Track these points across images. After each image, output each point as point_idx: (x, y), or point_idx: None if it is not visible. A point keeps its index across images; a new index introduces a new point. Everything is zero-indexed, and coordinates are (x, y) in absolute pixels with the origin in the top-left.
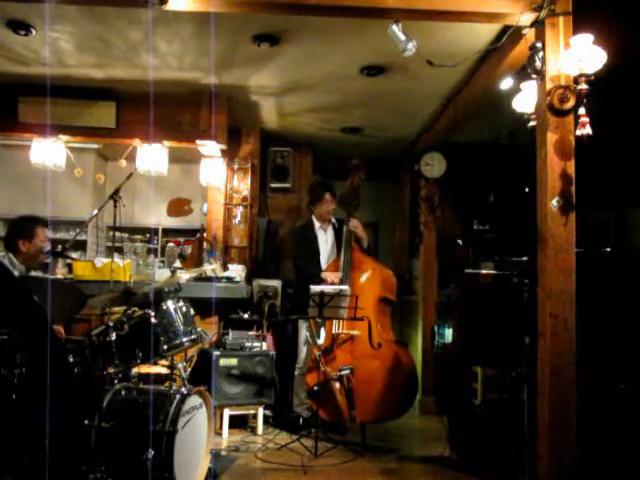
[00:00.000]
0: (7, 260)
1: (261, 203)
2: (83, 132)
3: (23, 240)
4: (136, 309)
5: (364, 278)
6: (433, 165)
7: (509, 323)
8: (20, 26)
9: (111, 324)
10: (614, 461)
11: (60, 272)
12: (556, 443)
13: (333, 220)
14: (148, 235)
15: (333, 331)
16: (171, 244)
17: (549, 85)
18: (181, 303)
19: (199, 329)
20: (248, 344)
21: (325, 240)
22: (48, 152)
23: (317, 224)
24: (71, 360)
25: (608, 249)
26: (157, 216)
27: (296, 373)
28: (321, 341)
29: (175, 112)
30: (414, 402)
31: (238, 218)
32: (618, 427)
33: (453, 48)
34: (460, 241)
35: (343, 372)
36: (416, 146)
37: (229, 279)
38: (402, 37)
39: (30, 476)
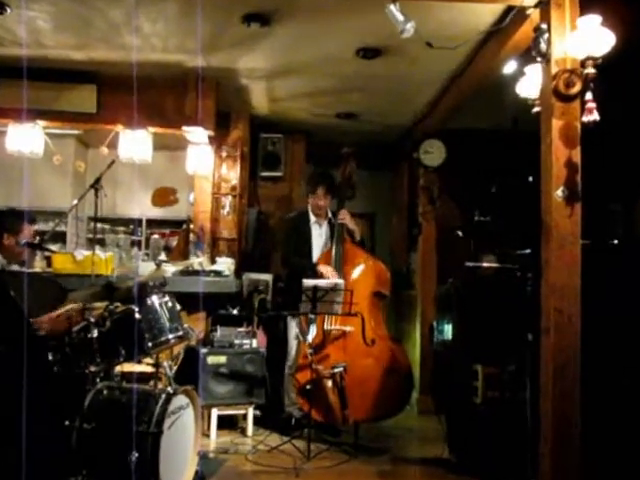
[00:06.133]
0: None
1: (251, 193)
2: (62, 117)
3: (9, 234)
4: (119, 304)
5: (357, 272)
6: (432, 153)
7: (511, 319)
8: None
9: (93, 320)
10: (618, 460)
11: (38, 265)
12: (559, 443)
13: (330, 215)
14: (131, 226)
15: (324, 327)
16: (156, 236)
17: (554, 69)
18: (166, 298)
19: (186, 325)
20: (237, 341)
21: (319, 234)
22: (25, 138)
23: (312, 217)
24: (50, 358)
25: (615, 241)
26: (141, 206)
27: (286, 371)
28: (311, 337)
29: (160, 96)
30: (409, 400)
31: (227, 208)
32: (622, 425)
33: (454, 29)
34: (460, 233)
35: (336, 370)
36: (414, 133)
37: (217, 273)
38: (400, 17)
39: (8, 479)
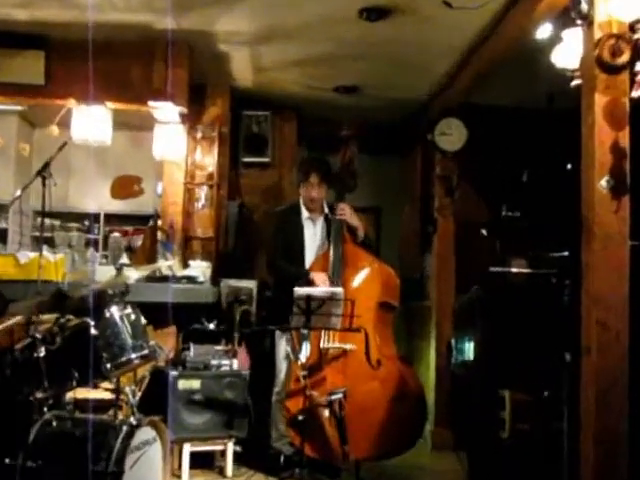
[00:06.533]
0: None
1: (231, 182)
2: (2, 90)
3: None
4: (71, 317)
5: (360, 278)
6: (451, 135)
7: (546, 335)
8: None
9: (39, 336)
10: None
11: None
12: None
13: (327, 211)
14: (87, 223)
15: (320, 345)
16: (116, 234)
17: (598, 34)
18: (129, 310)
19: (152, 343)
20: (215, 362)
21: (313, 233)
22: None
23: (305, 212)
24: None
25: None
26: (98, 198)
27: (274, 399)
28: (304, 357)
29: (121, 65)
30: (422, 434)
31: (202, 201)
32: None
33: None
34: (485, 231)
35: (334, 397)
36: (429, 111)
37: (190, 279)
38: None
39: None
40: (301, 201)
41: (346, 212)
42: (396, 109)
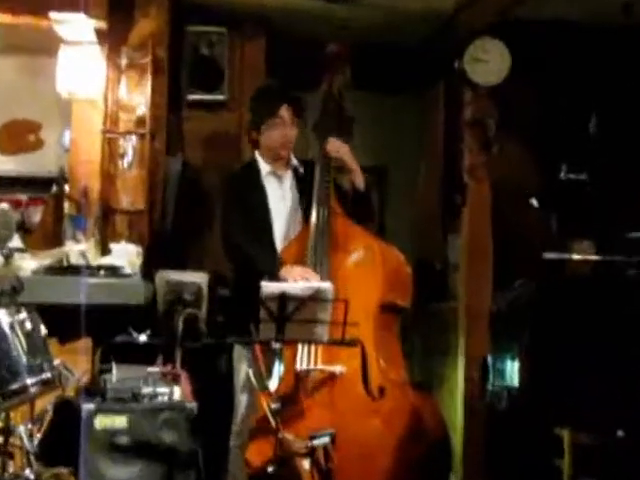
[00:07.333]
0: None
1: (171, 130)
2: None
3: None
4: None
5: (354, 266)
6: (488, 62)
7: (621, 350)
8: None
9: None
10: None
11: None
12: None
13: (295, 161)
14: None
15: (297, 366)
16: (4, 205)
17: None
18: (23, 315)
19: (56, 363)
20: (147, 390)
21: (281, 196)
22: None
23: (265, 167)
24: None
25: None
26: None
27: (232, 443)
28: (275, 384)
29: None
30: None
31: (129, 158)
32: None
33: None
34: (536, 201)
35: (317, 441)
36: (458, 28)
37: (112, 270)
38: None
39: None
40: (258, 156)
41: (342, 150)
42: (410, 26)
